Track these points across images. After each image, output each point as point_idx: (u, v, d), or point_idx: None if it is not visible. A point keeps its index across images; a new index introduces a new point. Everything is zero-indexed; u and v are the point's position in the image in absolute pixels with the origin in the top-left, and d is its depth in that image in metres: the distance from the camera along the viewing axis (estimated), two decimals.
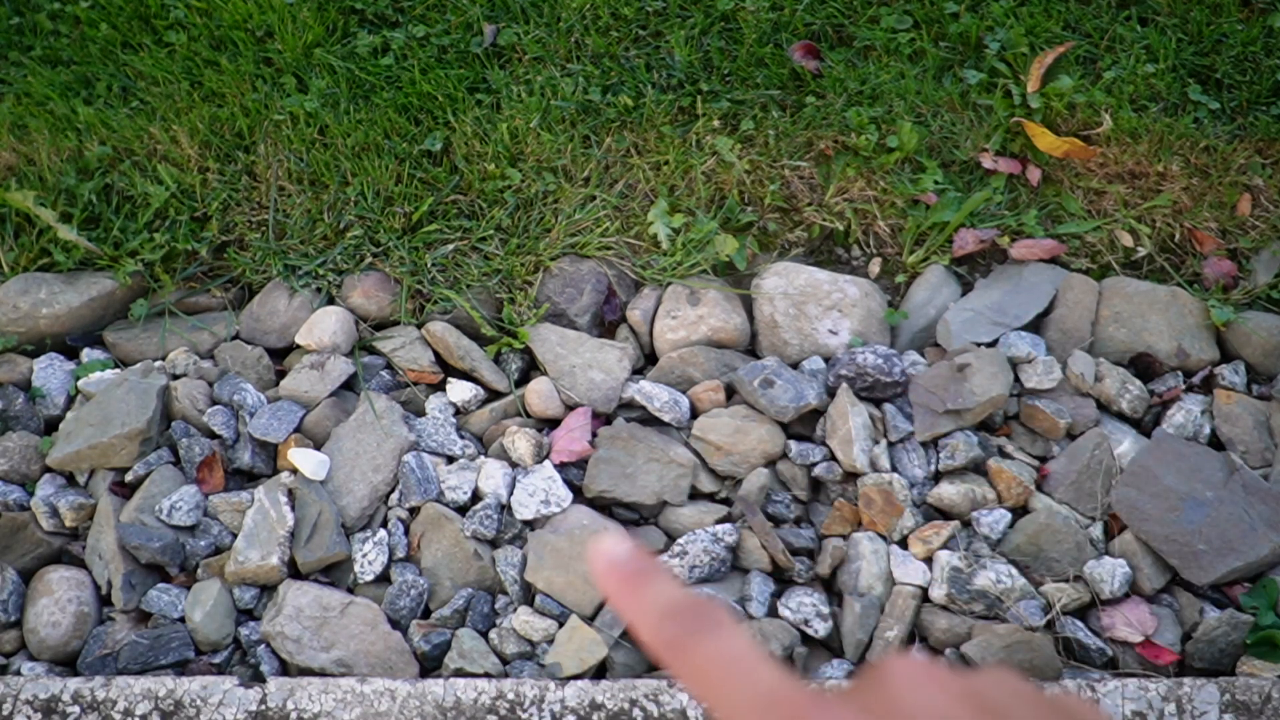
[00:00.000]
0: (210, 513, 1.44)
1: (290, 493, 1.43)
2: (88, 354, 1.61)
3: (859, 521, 1.42)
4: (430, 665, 1.35)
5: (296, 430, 1.49)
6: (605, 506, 1.46)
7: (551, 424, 1.54)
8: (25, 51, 2.00)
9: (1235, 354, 1.56)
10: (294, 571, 1.41)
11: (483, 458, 1.49)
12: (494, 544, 1.43)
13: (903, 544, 1.40)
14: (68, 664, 1.37)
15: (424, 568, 1.41)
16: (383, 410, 1.51)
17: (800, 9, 1.87)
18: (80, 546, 1.44)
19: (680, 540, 1.38)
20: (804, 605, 1.35)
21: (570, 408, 1.53)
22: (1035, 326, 1.59)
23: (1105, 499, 1.42)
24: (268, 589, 1.41)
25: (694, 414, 1.53)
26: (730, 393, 1.54)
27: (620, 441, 1.46)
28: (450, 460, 1.49)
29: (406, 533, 1.43)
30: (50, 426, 1.56)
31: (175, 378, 1.56)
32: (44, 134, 1.78)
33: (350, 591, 1.39)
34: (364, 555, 1.40)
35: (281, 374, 1.60)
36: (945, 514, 1.43)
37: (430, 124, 1.79)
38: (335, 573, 1.42)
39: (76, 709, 1.23)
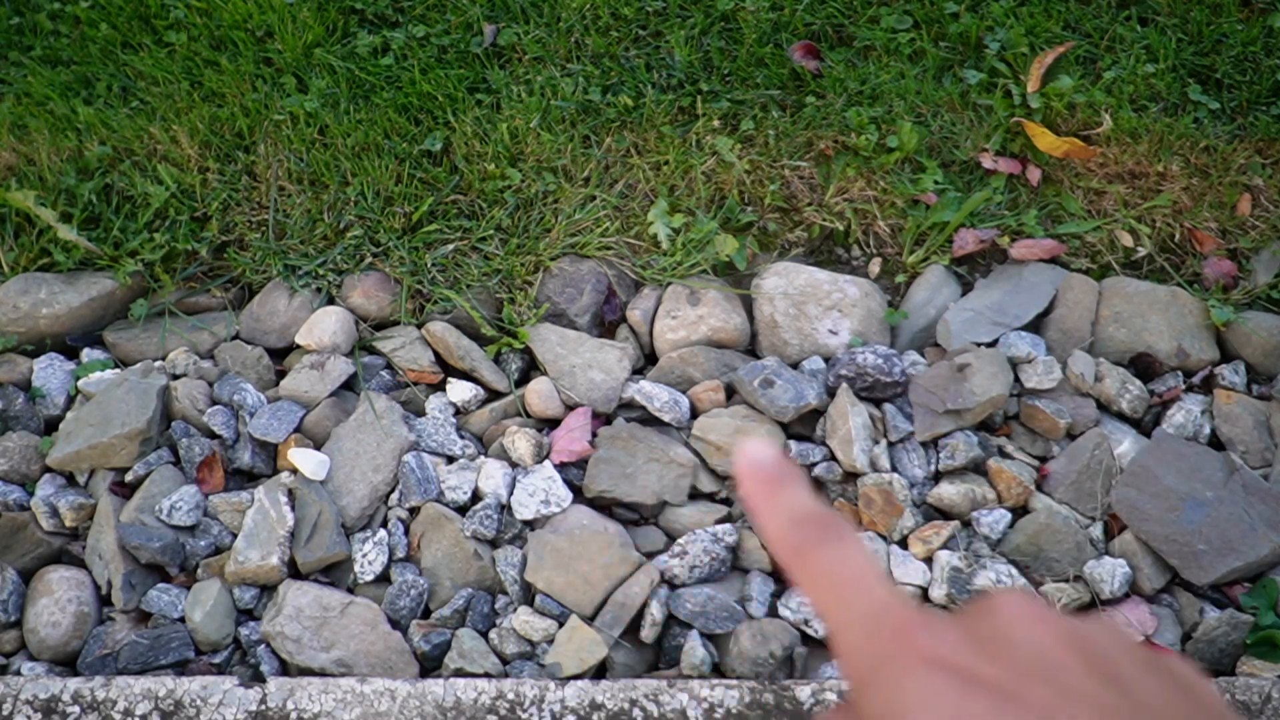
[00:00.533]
0: (210, 513, 1.44)
1: (290, 493, 1.43)
2: (88, 354, 1.61)
3: (859, 521, 1.42)
4: (430, 665, 1.35)
5: (296, 430, 1.49)
6: (605, 506, 1.46)
7: (551, 424, 1.54)
8: (25, 51, 2.00)
9: (1235, 354, 1.56)
10: (294, 571, 1.41)
11: (483, 458, 1.49)
12: (494, 544, 1.43)
13: (903, 544, 1.40)
14: (68, 664, 1.37)
15: (424, 568, 1.41)
16: (383, 410, 1.51)
17: (800, 9, 1.87)
18: (80, 546, 1.44)
19: (680, 540, 1.38)
20: (804, 605, 1.35)
21: (570, 408, 1.53)
22: (1035, 326, 1.59)
23: (1105, 499, 1.42)
24: (268, 589, 1.41)
25: (694, 414, 1.53)
26: (730, 393, 1.54)
27: (620, 441, 1.46)
28: (450, 460, 1.49)
29: (406, 533, 1.43)
30: (50, 426, 1.56)
31: (175, 378, 1.56)
32: (44, 134, 1.78)
33: (350, 591, 1.39)
34: (364, 555, 1.40)
35: (281, 374, 1.60)
36: (945, 514, 1.43)
37: (430, 124, 1.79)
38: (335, 573, 1.42)
39: (76, 709, 1.23)
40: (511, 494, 1.43)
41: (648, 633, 1.33)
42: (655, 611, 1.33)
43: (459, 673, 1.31)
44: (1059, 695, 0.27)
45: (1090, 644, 0.29)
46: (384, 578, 1.41)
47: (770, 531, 0.34)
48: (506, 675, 1.32)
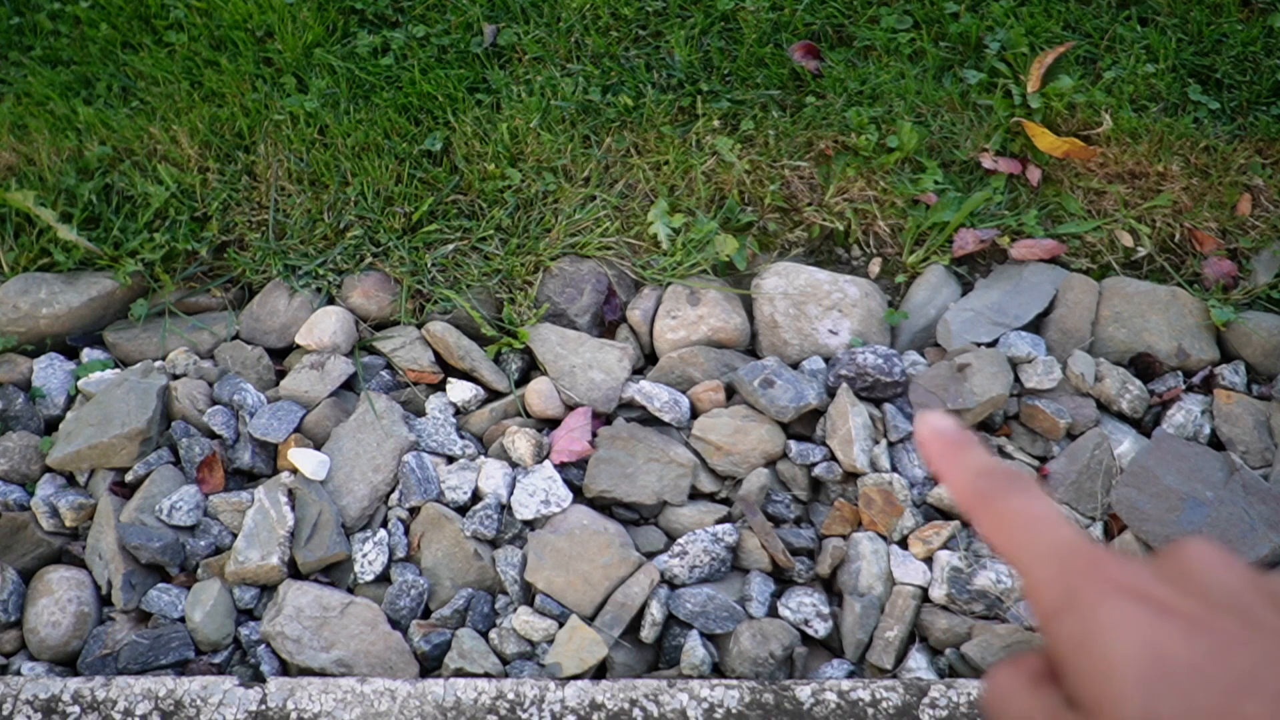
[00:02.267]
0: (210, 513, 1.44)
1: (290, 493, 1.43)
2: (88, 354, 1.61)
3: (859, 521, 1.42)
4: (430, 665, 1.35)
5: (296, 430, 1.49)
6: (605, 506, 1.46)
7: (551, 424, 1.54)
8: (25, 51, 2.00)
9: (1235, 354, 1.56)
10: (294, 571, 1.41)
11: (483, 458, 1.49)
12: (494, 544, 1.43)
13: (903, 544, 1.40)
14: (68, 664, 1.37)
15: (424, 568, 1.41)
16: (383, 410, 1.51)
17: (800, 9, 1.87)
18: (80, 546, 1.44)
19: (680, 540, 1.38)
20: (804, 605, 1.35)
21: (570, 408, 1.53)
22: (1035, 326, 1.59)
23: (1105, 499, 1.42)
24: (268, 589, 1.41)
25: (694, 414, 1.53)
26: (730, 393, 1.54)
27: (620, 441, 1.46)
28: (450, 460, 1.49)
29: (406, 533, 1.43)
30: (50, 426, 1.56)
31: (175, 378, 1.56)
32: (44, 134, 1.78)
33: (350, 591, 1.39)
34: (364, 555, 1.40)
35: (281, 374, 1.60)
36: (945, 514, 1.43)
37: (430, 124, 1.79)
38: (335, 573, 1.42)
39: (76, 709, 1.23)
40: (511, 494, 1.43)
41: (648, 633, 1.33)
42: (655, 611, 1.33)
43: (459, 673, 1.31)
44: (1247, 627, 0.29)
45: (1275, 589, 0.31)
46: (384, 578, 1.41)
47: (957, 485, 0.37)
48: (506, 675, 1.32)
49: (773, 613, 1.36)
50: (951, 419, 0.39)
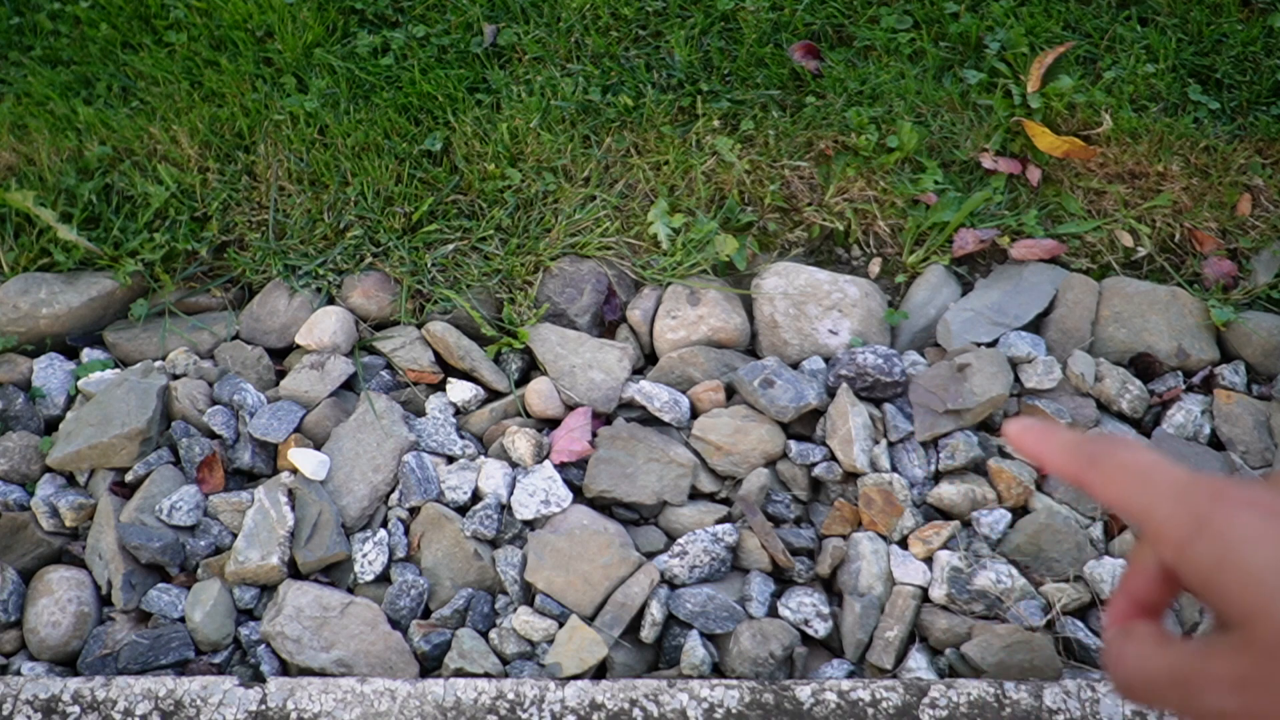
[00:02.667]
0: (210, 513, 1.44)
1: (290, 493, 1.43)
2: (88, 354, 1.61)
3: (859, 521, 1.42)
4: (430, 665, 1.35)
5: (296, 430, 1.49)
6: (605, 506, 1.46)
7: (551, 424, 1.54)
8: (25, 51, 2.00)
9: (1235, 354, 1.56)
10: (294, 571, 1.41)
11: (483, 458, 1.49)
12: (494, 544, 1.43)
13: (903, 544, 1.40)
14: (68, 664, 1.37)
15: (424, 568, 1.41)
16: (383, 410, 1.51)
17: (800, 9, 1.87)
18: (80, 546, 1.44)
19: (680, 540, 1.38)
20: (804, 605, 1.35)
21: (570, 408, 1.53)
22: (1035, 326, 1.59)
23: None
24: (268, 589, 1.41)
25: (694, 414, 1.53)
26: (730, 393, 1.54)
27: (620, 441, 1.46)
28: (450, 460, 1.49)
29: (406, 533, 1.43)
30: (50, 426, 1.56)
31: (175, 378, 1.56)
32: (44, 134, 1.78)
33: (350, 591, 1.39)
34: (364, 555, 1.40)
35: (281, 374, 1.60)
36: (945, 514, 1.43)
37: (430, 124, 1.79)
38: (335, 573, 1.42)
39: (76, 709, 1.23)
40: (511, 494, 1.43)
41: (648, 633, 1.33)
42: (655, 611, 1.33)
43: (459, 673, 1.31)
44: None
45: None
46: (384, 578, 1.41)
47: (1062, 460, 0.39)
48: (506, 675, 1.32)
49: (773, 613, 1.36)
50: (1030, 418, 0.42)
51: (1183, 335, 1.55)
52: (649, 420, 1.52)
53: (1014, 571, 1.34)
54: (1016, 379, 1.51)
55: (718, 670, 1.33)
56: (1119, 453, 0.37)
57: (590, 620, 1.34)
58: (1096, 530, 1.41)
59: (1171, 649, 0.35)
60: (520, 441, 1.47)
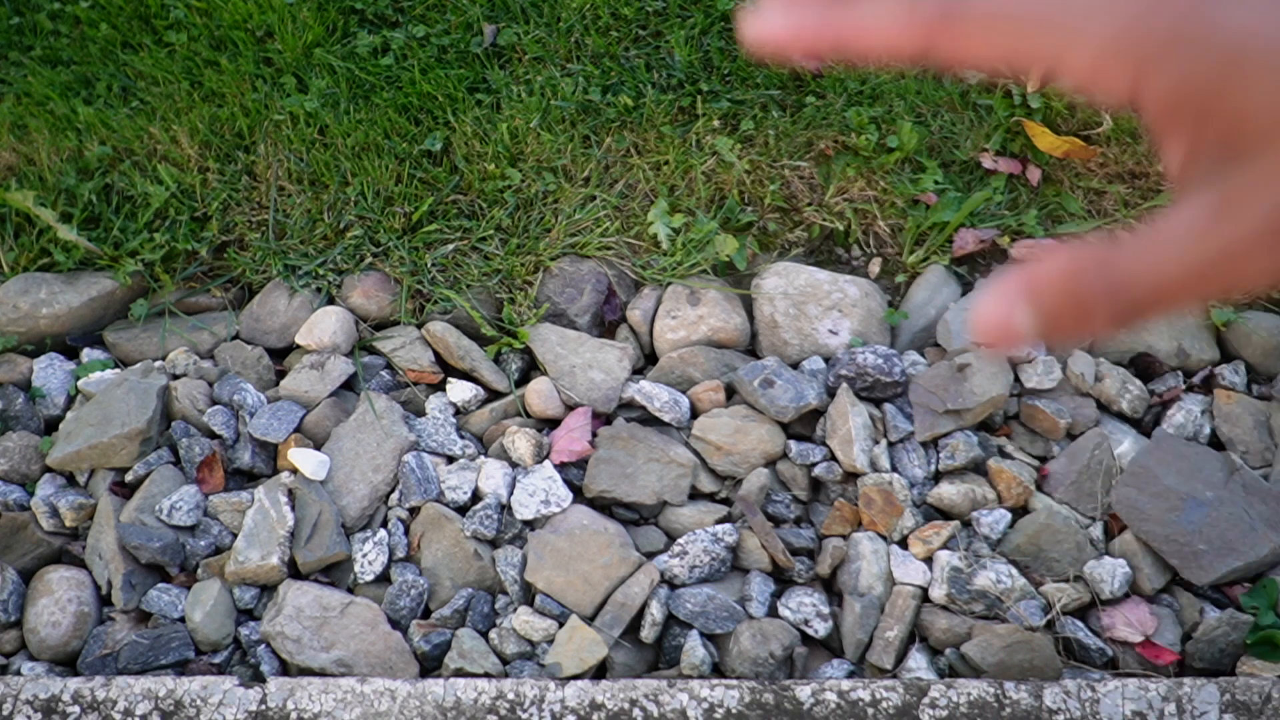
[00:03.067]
0: (210, 513, 1.44)
1: (290, 493, 1.43)
2: (88, 354, 1.61)
3: (859, 521, 1.42)
4: (430, 665, 1.35)
5: (296, 430, 1.49)
6: (605, 506, 1.46)
7: (551, 424, 1.54)
8: (25, 51, 2.00)
9: (1235, 354, 1.56)
10: (294, 571, 1.41)
11: (483, 458, 1.49)
12: (494, 544, 1.43)
13: (903, 544, 1.40)
14: (68, 664, 1.37)
15: (424, 568, 1.41)
16: (383, 410, 1.51)
17: None
18: (80, 546, 1.44)
19: (680, 540, 1.38)
20: (804, 605, 1.35)
21: (570, 408, 1.53)
22: None
23: (1105, 499, 1.42)
24: (268, 589, 1.41)
25: (694, 414, 1.53)
26: (730, 393, 1.54)
27: (620, 441, 1.46)
28: (450, 460, 1.49)
29: (406, 533, 1.43)
30: (50, 426, 1.56)
31: (175, 378, 1.56)
32: (44, 134, 1.78)
33: (350, 591, 1.39)
34: (364, 555, 1.40)
35: (281, 374, 1.60)
36: (945, 514, 1.43)
37: (430, 124, 1.79)
38: (335, 573, 1.42)
39: (76, 709, 1.23)
40: (511, 494, 1.43)
41: (648, 633, 1.33)
42: (655, 611, 1.33)
43: (459, 673, 1.31)
44: None
45: None
46: (384, 578, 1.41)
47: (881, 35, 0.26)
48: (506, 675, 1.32)
49: (773, 613, 1.36)
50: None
51: (1183, 335, 1.55)
52: (649, 420, 1.52)
53: (1014, 571, 1.34)
54: (1016, 379, 1.51)
55: (718, 670, 1.33)
56: None
57: (590, 620, 1.34)
58: (1096, 530, 1.41)
59: (1179, 223, 0.25)
60: (520, 441, 1.47)
